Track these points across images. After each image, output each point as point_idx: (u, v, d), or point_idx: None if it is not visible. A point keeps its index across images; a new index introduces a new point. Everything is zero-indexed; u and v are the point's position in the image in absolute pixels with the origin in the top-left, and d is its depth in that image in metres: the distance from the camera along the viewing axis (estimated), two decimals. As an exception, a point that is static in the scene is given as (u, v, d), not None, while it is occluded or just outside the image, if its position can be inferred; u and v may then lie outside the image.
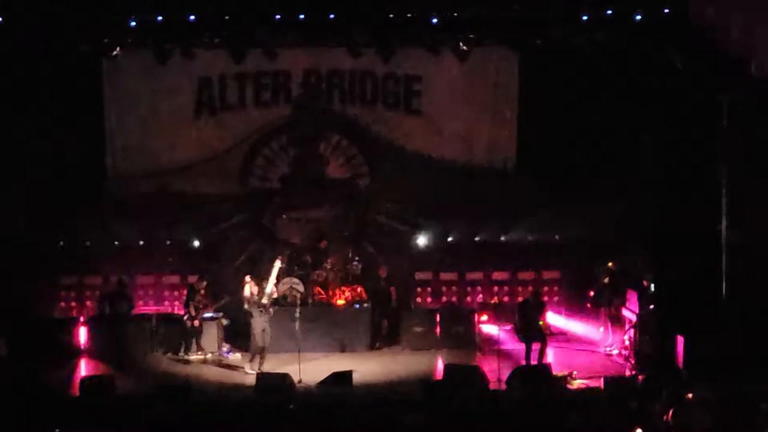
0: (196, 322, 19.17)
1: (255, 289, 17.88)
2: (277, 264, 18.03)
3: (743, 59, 17.08)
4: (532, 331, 17.76)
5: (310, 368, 17.43)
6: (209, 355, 19.19)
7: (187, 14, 18.83)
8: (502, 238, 21.04)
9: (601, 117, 19.95)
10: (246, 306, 18.02)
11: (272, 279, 17.80)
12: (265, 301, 17.58)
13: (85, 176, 20.52)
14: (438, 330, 19.82)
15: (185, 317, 19.25)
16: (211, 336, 19.35)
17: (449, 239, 21.30)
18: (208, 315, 19.29)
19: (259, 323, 17.72)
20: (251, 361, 17.83)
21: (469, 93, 21.22)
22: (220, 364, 18.87)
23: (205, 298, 19.38)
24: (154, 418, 13.05)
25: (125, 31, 19.19)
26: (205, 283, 19.56)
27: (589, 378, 16.90)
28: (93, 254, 20.71)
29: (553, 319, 19.61)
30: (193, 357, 19.13)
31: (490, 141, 21.33)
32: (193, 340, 19.25)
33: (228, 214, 21.27)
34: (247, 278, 18.24)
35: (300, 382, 16.88)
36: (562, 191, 20.28)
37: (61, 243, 20.72)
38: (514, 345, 18.32)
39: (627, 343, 18.62)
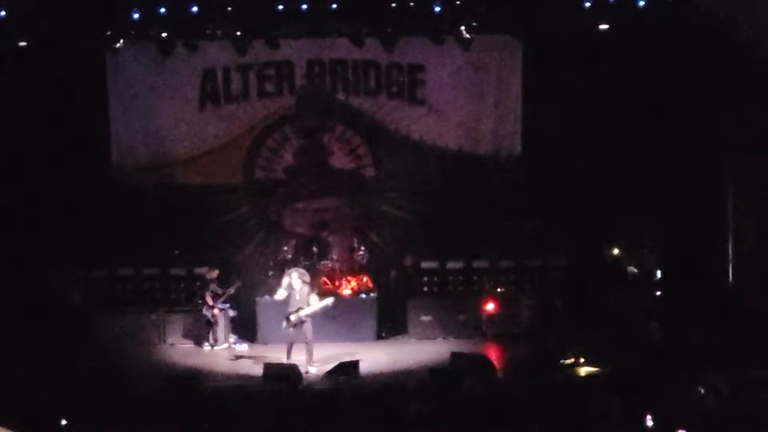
0: (216, 311, 19.21)
1: (296, 282, 17.46)
2: (329, 301, 17.81)
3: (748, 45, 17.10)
4: None
5: (316, 358, 17.43)
6: (217, 347, 19.24)
7: (190, 6, 18.85)
8: (508, 227, 20.96)
9: (605, 105, 19.92)
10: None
11: (313, 309, 17.48)
12: (293, 318, 17.37)
13: (90, 169, 20.52)
14: (444, 319, 19.82)
15: (204, 309, 19.31)
16: (218, 327, 19.36)
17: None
18: (221, 306, 19.27)
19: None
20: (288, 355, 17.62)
21: (473, 82, 21.18)
22: (228, 355, 18.90)
23: (218, 287, 19.39)
24: (162, 408, 13.08)
25: (128, 23, 19.22)
26: (216, 272, 19.59)
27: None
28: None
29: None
30: (218, 348, 19.22)
31: (494, 130, 21.29)
32: (210, 331, 19.32)
33: (233, 205, 21.26)
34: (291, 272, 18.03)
35: (307, 372, 16.91)
36: (567, 179, 20.29)
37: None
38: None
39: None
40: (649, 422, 11.75)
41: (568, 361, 17.01)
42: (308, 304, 17.36)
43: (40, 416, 12.64)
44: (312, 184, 21.48)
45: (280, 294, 17.58)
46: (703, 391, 12.64)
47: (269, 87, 21.29)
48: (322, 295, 18.17)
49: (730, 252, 18.62)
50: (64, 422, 12.37)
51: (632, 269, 19.93)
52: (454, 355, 17.12)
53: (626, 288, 19.60)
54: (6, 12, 18.32)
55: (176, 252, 20.74)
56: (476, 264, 20.56)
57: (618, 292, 19.51)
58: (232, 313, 19.50)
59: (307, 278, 18.14)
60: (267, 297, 19.39)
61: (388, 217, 21.49)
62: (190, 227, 20.73)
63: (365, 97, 21.34)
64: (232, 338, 19.47)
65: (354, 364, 16.95)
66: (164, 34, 19.78)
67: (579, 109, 20.09)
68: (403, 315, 20.10)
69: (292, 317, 17.24)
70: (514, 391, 14.30)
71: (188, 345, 19.61)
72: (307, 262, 19.78)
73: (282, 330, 17.43)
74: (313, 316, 17.46)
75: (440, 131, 21.27)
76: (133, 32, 19.63)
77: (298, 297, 17.37)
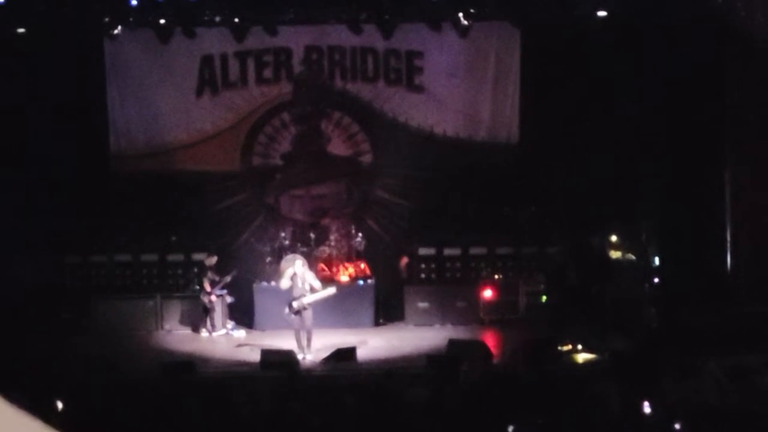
0: (213, 297, 19.22)
1: (299, 270, 17.25)
2: (331, 290, 17.75)
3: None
4: None
5: (314, 344, 17.43)
6: (214, 333, 19.26)
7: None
8: (506, 213, 20.95)
9: (604, 91, 19.89)
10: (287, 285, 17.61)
11: (316, 297, 17.36)
12: (295, 305, 17.30)
13: (88, 156, 20.51)
14: (442, 305, 19.83)
15: (201, 295, 19.32)
16: (215, 313, 19.38)
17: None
18: (219, 292, 19.27)
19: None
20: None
21: (471, 69, 21.15)
22: (225, 341, 18.92)
23: (216, 274, 19.39)
24: (158, 394, 13.07)
25: (126, 10, 19.20)
26: (215, 258, 19.58)
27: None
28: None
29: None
30: (215, 334, 19.25)
31: (492, 116, 21.26)
32: (207, 317, 19.31)
33: (231, 191, 21.25)
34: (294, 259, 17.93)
35: (305, 358, 16.91)
36: (565, 166, 20.27)
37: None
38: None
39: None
40: (647, 409, 11.73)
41: (566, 348, 17.02)
42: (310, 292, 17.33)
43: (36, 401, 12.62)
44: (310, 170, 21.46)
45: (284, 284, 17.48)
46: (701, 377, 12.62)
47: (267, 73, 21.26)
48: (321, 282, 18.15)
49: (728, 238, 18.60)
50: (60, 406, 12.34)
51: (630, 256, 19.93)
52: (452, 342, 17.12)
53: (624, 274, 19.59)
54: (4, -1, 18.31)
55: (174, 238, 20.74)
56: (474, 250, 20.55)
57: (615, 279, 19.51)
58: (229, 299, 19.50)
59: (307, 266, 18.14)
60: (264, 283, 19.43)
61: (385, 203, 21.48)
62: (187, 214, 20.73)
63: (363, 84, 21.31)
64: (230, 324, 19.48)
65: (351, 351, 16.95)
66: (162, 21, 19.83)
67: (577, 96, 20.06)
68: (400, 301, 20.10)
69: (295, 304, 17.21)
70: (511, 378, 14.26)
71: (186, 331, 19.63)
72: (305, 249, 19.78)
73: (284, 316, 17.38)
74: (315, 303, 17.45)
75: (438, 118, 21.24)
76: (131, 19, 19.65)
77: (300, 284, 17.32)
